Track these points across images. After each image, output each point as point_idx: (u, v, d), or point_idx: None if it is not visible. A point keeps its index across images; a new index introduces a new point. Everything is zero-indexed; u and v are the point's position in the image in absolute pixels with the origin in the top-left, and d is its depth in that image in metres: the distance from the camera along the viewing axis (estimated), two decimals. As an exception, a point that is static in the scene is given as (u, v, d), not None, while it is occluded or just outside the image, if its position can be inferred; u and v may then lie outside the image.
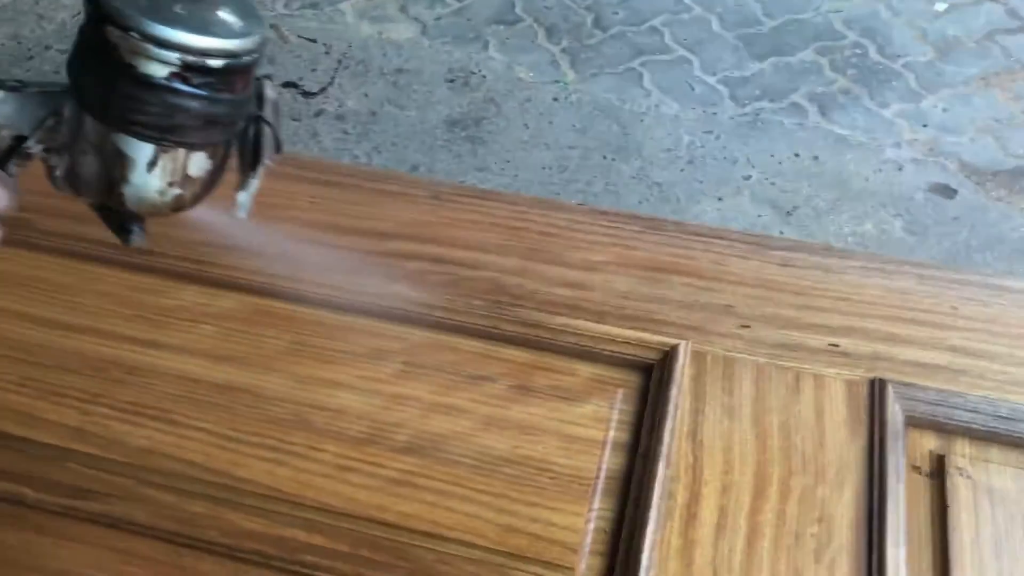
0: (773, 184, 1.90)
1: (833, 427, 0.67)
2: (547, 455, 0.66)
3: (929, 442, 0.67)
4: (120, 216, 0.52)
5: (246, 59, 0.46)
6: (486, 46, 2.26)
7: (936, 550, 0.61)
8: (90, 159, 0.48)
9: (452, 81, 2.12)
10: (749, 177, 1.90)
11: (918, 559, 0.60)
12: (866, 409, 0.68)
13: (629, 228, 0.83)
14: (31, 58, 2.04)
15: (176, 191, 0.49)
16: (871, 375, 0.70)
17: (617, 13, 2.36)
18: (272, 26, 2.27)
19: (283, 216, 0.82)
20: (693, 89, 2.17)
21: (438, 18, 2.34)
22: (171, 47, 0.43)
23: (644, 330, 0.73)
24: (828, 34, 2.35)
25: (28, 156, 0.48)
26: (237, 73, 0.46)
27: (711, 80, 2.21)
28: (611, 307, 0.75)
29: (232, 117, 0.49)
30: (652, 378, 0.70)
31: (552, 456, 0.65)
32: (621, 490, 0.64)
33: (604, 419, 0.68)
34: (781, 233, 1.77)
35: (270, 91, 0.52)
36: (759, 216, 1.81)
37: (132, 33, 0.43)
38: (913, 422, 0.68)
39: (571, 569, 0.60)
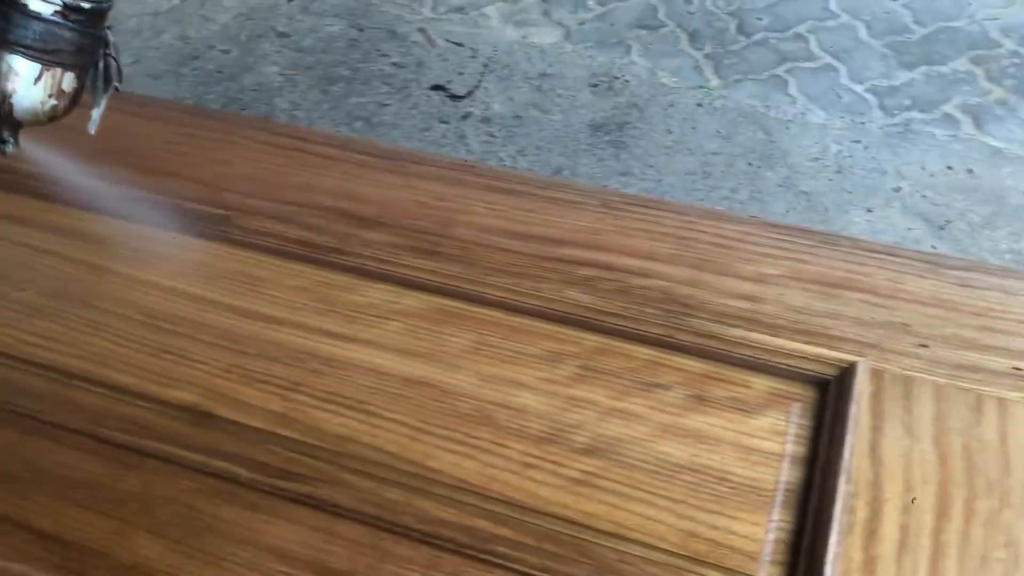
0: (924, 197, 1.84)
1: (1018, 451, 0.66)
2: (725, 465, 0.67)
3: (1121, 473, 0.65)
4: None
5: (106, 5, 0.67)
6: (629, 51, 2.27)
7: None
8: None
9: (595, 86, 2.14)
10: (899, 189, 1.86)
11: (1111, 592, 0.59)
12: (1054, 436, 0.67)
13: (802, 242, 0.83)
14: (196, 58, 2.16)
15: (53, 102, 0.68)
16: (1059, 401, 0.69)
17: (761, 19, 2.34)
18: (420, 30, 2.34)
19: (461, 220, 0.86)
20: (840, 97, 2.12)
21: (581, 23, 2.36)
22: None
23: (820, 345, 0.73)
24: (983, 43, 2.27)
25: None
26: (99, 14, 0.67)
27: (859, 89, 2.16)
28: (785, 321, 0.76)
29: (94, 47, 0.69)
30: (829, 393, 0.70)
31: (730, 466, 0.67)
32: (800, 503, 0.65)
33: (781, 432, 0.69)
34: (933, 247, 1.72)
35: (111, 36, 0.71)
36: (909, 229, 1.76)
37: None
38: (1104, 451, 0.66)
39: (751, 576, 0.61)
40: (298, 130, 1.00)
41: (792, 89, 2.13)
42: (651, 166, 1.90)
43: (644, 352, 0.75)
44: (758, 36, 2.29)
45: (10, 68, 0.64)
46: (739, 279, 0.80)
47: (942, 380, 0.71)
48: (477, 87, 2.13)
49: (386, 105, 2.08)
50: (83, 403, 0.72)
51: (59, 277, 0.83)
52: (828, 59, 2.23)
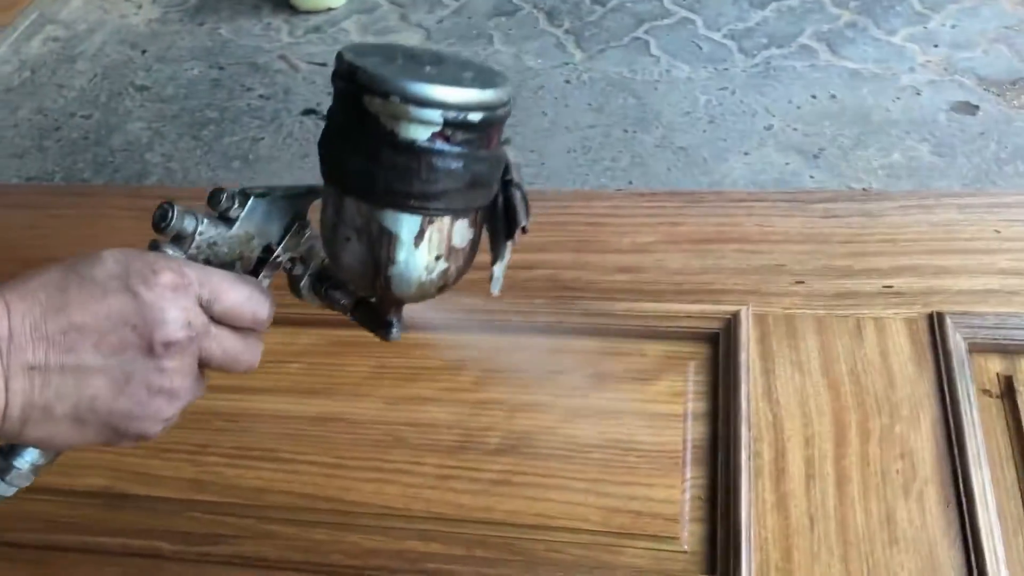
0: (795, 130, 1.90)
1: (900, 365, 0.70)
2: (632, 435, 0.69)
3: (994, 365, 0.69)
4: (378, 310, 0.52)
5: (501, 111, 0.45)
6: (491, 40, 2.28)
7: (1019, 466, 0.63)
8: (353, 246, 0.46)
9: (464, 81, 2.15)
10: (771, 127, 1.91)
11: (1002, 477, 0.63)
12: (929, 343, 0.70)
13: (671, 205, 0.86)
14: (58, 128, 2.10)
15: (443, 265, 0.47)
16: (928, 310, 0.72)
17: (612, -15, 2.37)
18: (281, 57, 2.31)
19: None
20: (701, 48, 2.17)
21: (440, 21, 2.37)
22: (432, 105, 0.42)
23: (703, 302, 0.76)
24: (824, -30, 2.34)
25: (277, 265, 0.51)
26: (494, 126, 0.45)
27: (717, 36, 2.21)
28: (667, 285, 0.78)
29: (490, 177, 0.47)
30: (720, 346, 0.73)
31: (637, 435, 0.69)
32: (709, 458, 0.67)
33: (680, 392, 0.71)
34: (812, 177, 1.78)
35: (511, 155, 0.48)
36: (787, 164, 1.82)
37: (392, 97, 0.42)
38: (976, 348, 0.70)
39: (675, 538, 0.63)
40: (166, 190, 0.99)
41: (654, 49, 2.17)
42: (532, 151, 1.92)
43: (540, 343, 0.76)
44: (613, 3, 2.33)
45: (382, 229, 0.45)
46: (619, 253, 0.82)
47: (821, 312, 0.74)
48: (347, 104, 2.12)
49: (260, 139, 2.06)
50: (-12, 512, 0.70)
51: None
52: (683, 12, 2.28)
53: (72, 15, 2.63)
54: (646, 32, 2.26)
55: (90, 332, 0.41)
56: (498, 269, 0.48)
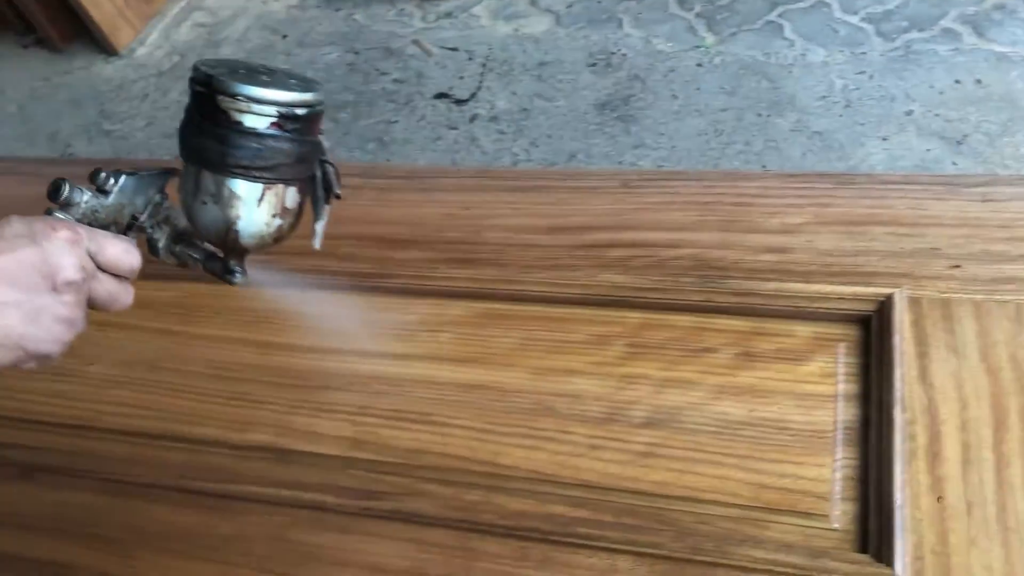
0: (937, 115, 1.84)
1: (1065, 353, 0.68)
2: (783, 414, 0.69)
3: None
4: (225, 261, 0.66)
5: (319, 108, 0.61)
6: (621, 24, 2.28)
7: None
8: (209, 208, 0.61)
9: (594, 65, 2.16)
10: (911, 112, 1.85)
11: None
12: (1097, 332, 0.68)
13: (820, 186, 0.85)
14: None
15: (278, 221, 0.63)
16: (1097, 297, 0.70)
17: (746, -32, 2.34)
18: (414, 42, 2.37)
19: (488, 225, 0.89)
20: (837, 32, 2.12)
21: (569, 5, 2.38)
22: (269, 103, 0.58)
23: (855, 284, 0.75)
24: (972, -51, 2.25)
25: (141, 229, 0.64)
26: (314, 118, 0.61)
27: (854, 20, 2.15)
28: (817, 266, 0.78)
29: (312, 156, 0.63)
30: (872, 328, 0.72)
31: (788, 415, 0.69)
32: (860, 439, 0.67)
33: (831, 374, 0.71)
34: (955, 164, 1.72)
35: (325, 141, 0.64)
36: (928, 150, 1.76)
37: (240, 97, 0.57)
38: None
39: (825, 516, 0.63)
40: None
41: (788, 32, 2.12)
42: (662, 134, 1.92)
43: (686, 320, 0.77)
44: (745, -14, 2.29)
45: (232, 193, 0.60)
46: (766, 233, 0.82)
47: (979, 297, 0.72)
48: (479, 88, 2.16)
49: (394, 122, 2.12)
50: (169, 461, 0.76)
51: (123, 346, 0.87)
52: (818, -4, 2.23)
53: (218, 2, 2.76)
54: (780, 16, 2.22)
55: (4, 276, 0.51)
56: (319, 227, 0.66)
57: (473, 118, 2.09)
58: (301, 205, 0.64)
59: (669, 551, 0.63)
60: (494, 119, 2.07)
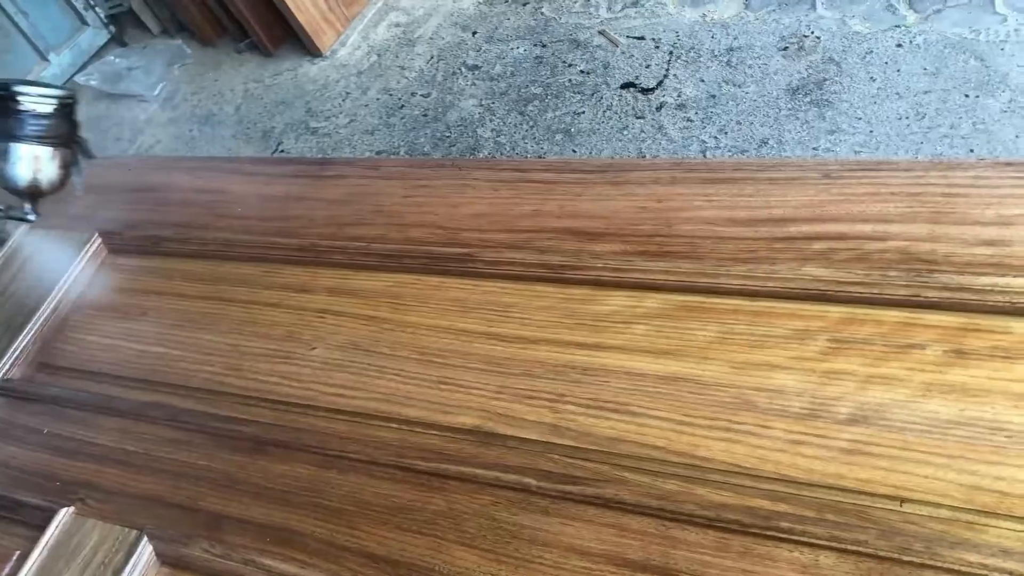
0: None
1: None
2: (998, 415, 0.66)
3: None
4: (20, 211, 1.09)
5: (72, 100, 1.09)
6: (813, 5, 2.21)
7: None
8: (16, 166, 1.06)
9: (785, 49, 2.10)
10: None
11: None
12: None
13: (1042, 176, 0.80)
14: (402, 107, 2.31)
15: (62, 172, 1.10)
16: None
17: (953, -61, 2.20)
18: (600, 33, 2.38)
19: (683, 217, 0.89)
20: (1058, 2, 1.97)
21: (762, -13, 2.32)
22: (50, 97, 1.07)
23: (1082, 279, 0.71)
24: None
25: None
26: (73, 106, 1.10)
27: (1078, -11, 1.98)
28: (1039, 260, 0.74)
29: (75, 129, 1.10)
30: (1102, 327, 0.68)
31: (1003, 415, 0.66)
32: (1087, 443, 0.63)
33: (1053, 374, 0.67)
34: None
35: (80, 120, 1.11)
36: None
37: (31, 94, 1.06)
38: None
39: (1048, 523, 0.60)
40: (519, 162, 1.07)
41: (1000, 6, 1.98)
42: (859, 118, 1.84)
43: (893, 315, 0.75)
44: (952, -41, 2.16)
45: (36, 156, 1.06)
46: (980, 225, 0.78)
47: None
48: (666, 76, 2.15)
49: (580, 113, 2.14)
50: (384, 439, 0.82)
51: (340, 332, 0.94)
52: (1037, -35, 2.07)
53: (412, 2, 2.87)
54: (992, -13, 2.08)
55: None
56: (80, 180, 1.14)
57: (660, 107, 2.09)
58: (70, 164, 1.11)
59: (875, 549, 0.62)
60: (681, 107, 2.06)
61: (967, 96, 1.81)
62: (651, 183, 0.96)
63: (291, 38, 2.87)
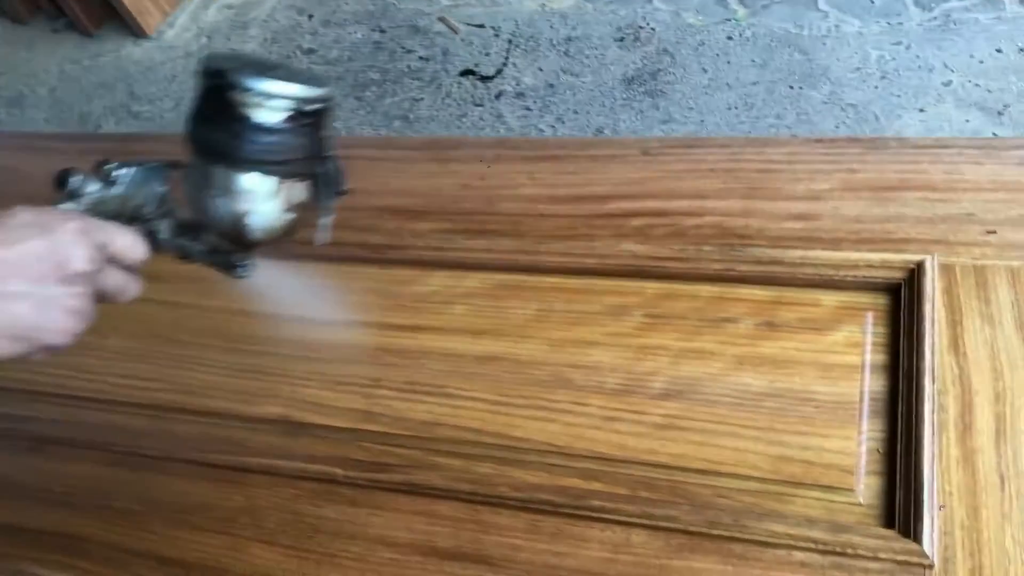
0: (977, 86, 1.78)
1: (1106, 321, 0.64)
2: (807, 385, 0.67)
3: None
4: (229, 255, 0.64)
5: (329, 103, 0.60)
6: (649, -2, 2.24)
7: None
8: (219, 201, 0.59)
9: (622, 40, 2.12)
10: (949, 83, 1.80)
11: None
12: None
13: (849, 151, 0.82)
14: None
15: (290, 216, 0.61)
16: None
17: (779, -62, 2.28)
18: (440, 19, 2.34)
19: (505, 195, 0.87)
20: (872, 2, 2.06)
21: (597, -20, 2.34)
22: (282, 98, 0.56)
23: (885, 250, 0.72)
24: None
25: (146, 221, 0.63)
26: (324, 114, 0.60)
27: (891, -11, 2.09)
28: (845, 233, 0.75)
29: (322, 150, 0.61)
30: (902, 296, 0.69)
31: (812, 385, 0.67)
32: (888, 410, 0.64)
33: (857, 343, 0.68)
34: (994, 135, 1.66)
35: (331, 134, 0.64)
36: (967, 121, 1.70)
37: (253, 91, 0.56)
38: None
39: (850, 490, 0.61)
40: (342, 140, 1.02)
41: (822, 4, 2.07)
42: (691, 108, 1.88)
43: (707, 290, 0.75)
44: (778, -43, 2.23)
45: (243, 187, 0.58)
46: (791, 200, 0.79)
47: (1016, 263, 0.69)
48: (505, 64, 2.13)
49: (419, 100, 2.10)
50: (182, 433, 0.75)
51: (138, 319, 0.86)
52: (854, -34, 2.17)
53: (245, -17, 2.75)
54: (814, -13, 2.16)
55: (14, 267, 0.51)
56: (327, 222, 0.64)
57: (499, 95, 2.06)
58: (309, 200, 0.63)
59: (685, 524, 0.61)
60: (520, 95, 2.04)
61: (791, 88, 1.88)
62: (474, 161, 0.93)
63: (113, 18, 2.69)
